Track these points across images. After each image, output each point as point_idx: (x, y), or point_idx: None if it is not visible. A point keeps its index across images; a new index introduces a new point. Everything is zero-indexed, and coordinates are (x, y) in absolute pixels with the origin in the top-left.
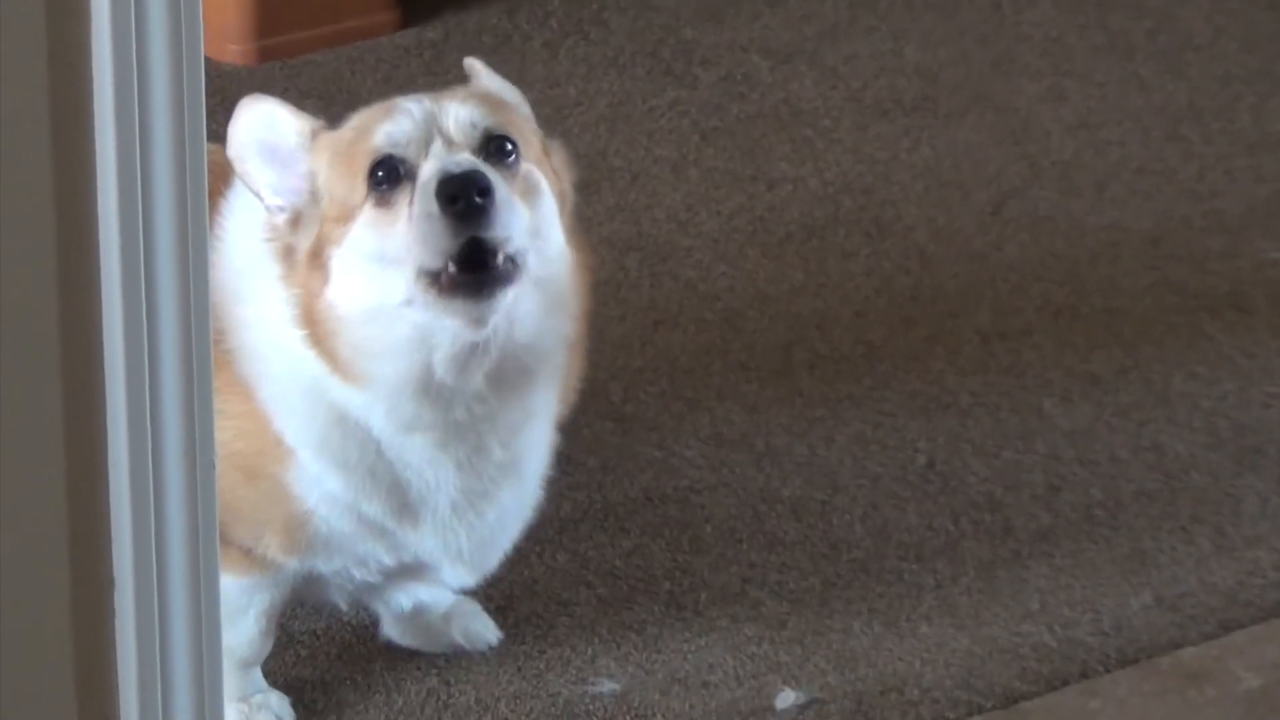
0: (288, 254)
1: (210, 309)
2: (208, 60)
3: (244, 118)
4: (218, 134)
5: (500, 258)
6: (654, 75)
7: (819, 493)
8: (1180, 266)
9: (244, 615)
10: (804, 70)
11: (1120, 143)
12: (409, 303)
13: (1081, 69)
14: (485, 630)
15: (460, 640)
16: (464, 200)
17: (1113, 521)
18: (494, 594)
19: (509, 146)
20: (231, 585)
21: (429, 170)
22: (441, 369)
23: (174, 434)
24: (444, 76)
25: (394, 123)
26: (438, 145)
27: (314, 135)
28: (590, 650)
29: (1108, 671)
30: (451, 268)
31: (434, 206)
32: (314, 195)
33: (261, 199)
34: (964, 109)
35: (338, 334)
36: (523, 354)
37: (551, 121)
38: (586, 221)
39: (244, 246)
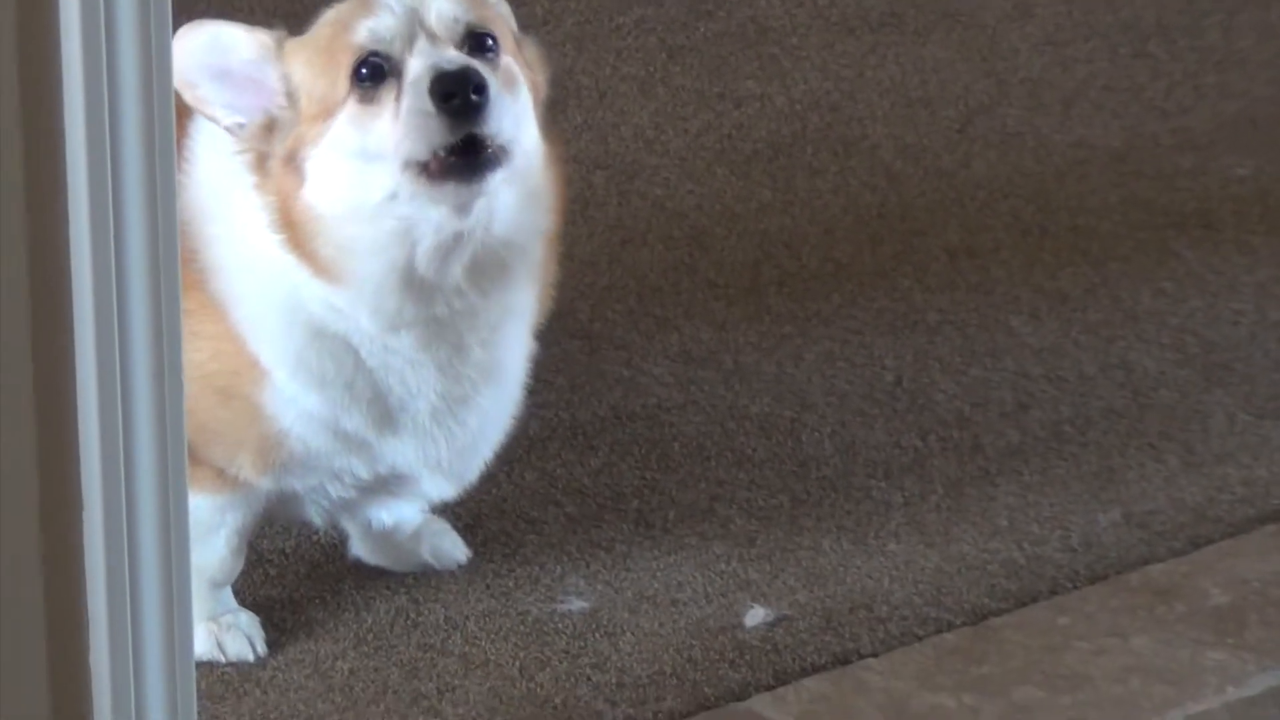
0: (261, 161)
1: (177, 227)
2: None
3: (186, 45)
4: None
5: (490, 148)
6: None
7: (787, 410)
8: (1148, 184)
9: (215, 534)
10: None
11: (1088, 60)
12: (393, 196)
13: None
14: (454, 548)
15: (429, 559)
16: (460, 98)
17: (1081, 439)
18: (462, 513)
19: (490, 41)
20: (203, 504)
21: (418, 66)
22: (424, 263)
23: (142, 353)
24: None
25: (376, 18)
26: (422, 40)
27: (279, 43)
28: (559, 568)
29: (1076, 588)
30: (441, 153)
31: (428, 104)
32: (290, 98)
33: (218, 121)
34: (931, 26)
35: (319, 234)
36: (500, 248)
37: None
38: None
39: (213, 165)
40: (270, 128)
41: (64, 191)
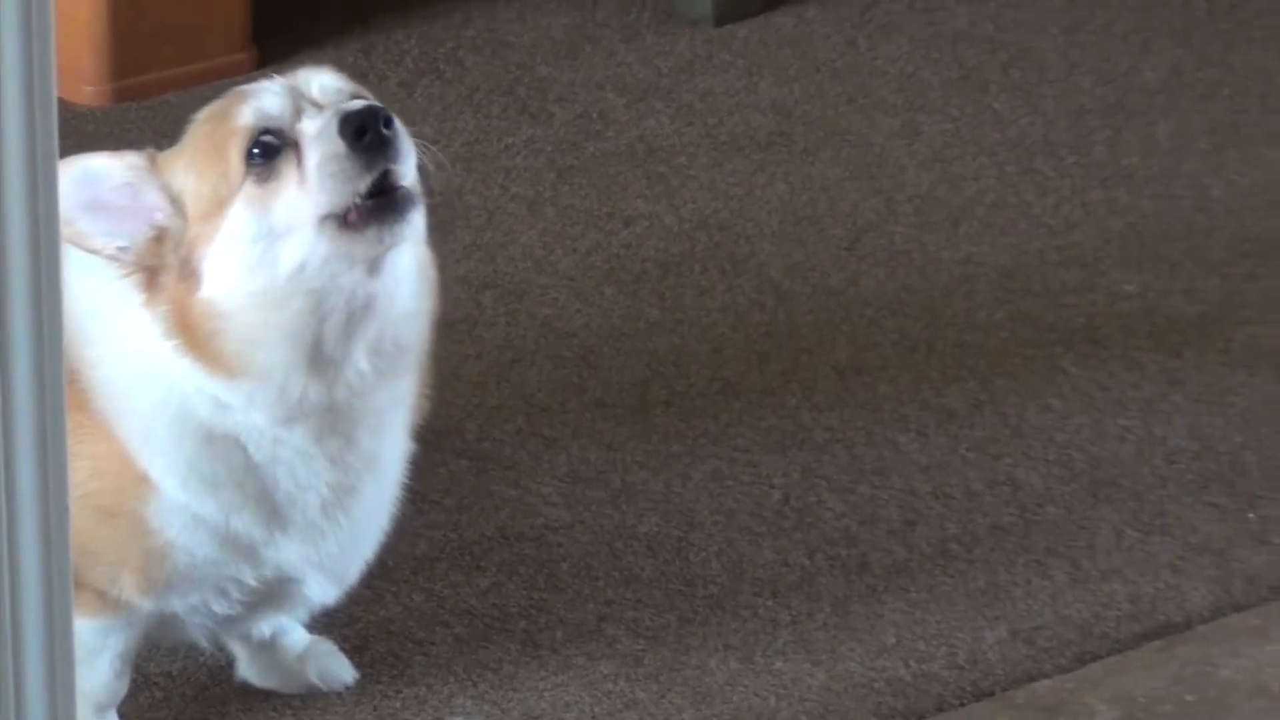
0: (151, 277)
1: (63, 351)
2: (61, 102)
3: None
4: None
5: (404, 187)
6: (509, 113)
7: (675, 529)
8: (1035, 300)
9: (99, 658)
10: (659, 107)
11: (975, 177)
12: (302, 268)
13: (936, 103)
14: (341, 670)
15: (316, 680)
16: (372, 132)
17: (968, 555)
18: (349, 634)
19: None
20: (85, 628)
21: (316, 125)
22: (330, 340)
23: (28, 478)
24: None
25: (259, 100)
26: (310, 111)
27: (151, 159)
28: (446, 689)
29: (963, 705)
30: (358, 200)
31: (340, 146)
32: (176, 205)
33: (100, 251)
34: (819, 145)
35: (221, 330)
36: (400, 322)
37: None
38: (443, 260)
39: (86, 288)
40: (159, 240)
41: None
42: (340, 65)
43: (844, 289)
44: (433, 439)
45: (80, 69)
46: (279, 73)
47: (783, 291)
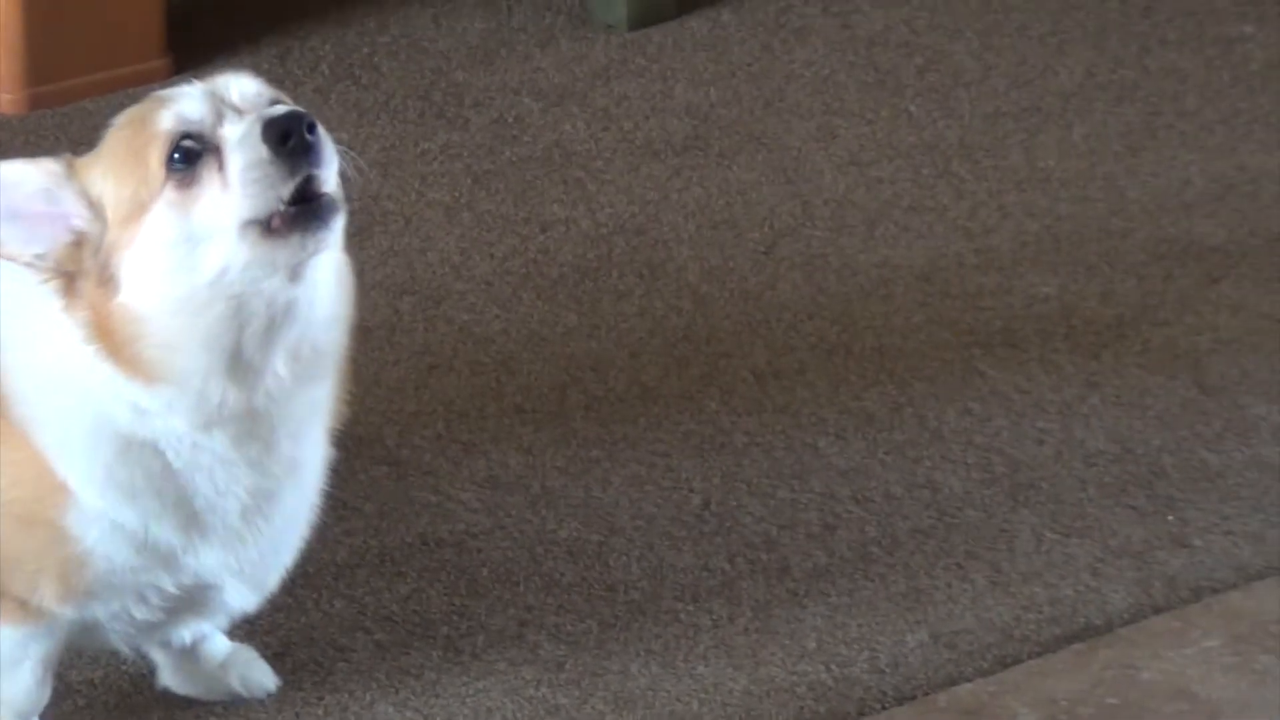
0: (70, 282)
1: None
2: None
3: None
4: None
5: (327, 193)
6: (425, 119)
7: (595, 534)
8: (952, 303)
9: (19, 667)
10: (575, 112)
11: (891, 180)
12: (224, 273)
13: (852, 107)
14: (263, 677)
15: (238, 687)
16: (295, 137)
17: (888, 559)
18: (271, 641)
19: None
20: (6, 636)
21: (238, 131)
22: (250, 345)
23: None
24: None
25: (179, 105)
26: (231, 115)
27: (69, 165)
28: (368, 696)
29: (885, 709)
30: (281, 206)
31: (264, 152)
32: (95, 209)
33: (17, 259)
34: (735, 149)
35: (140, 335)
36: (320, 329)
37: None
38: (360, 266)
39: (2, 294)
40: (78, 245)
41: None
42: (256, 71)
43: (761, 293)
44: (352, 445)
45: None
46: (195, 79)
47: (700, 296)
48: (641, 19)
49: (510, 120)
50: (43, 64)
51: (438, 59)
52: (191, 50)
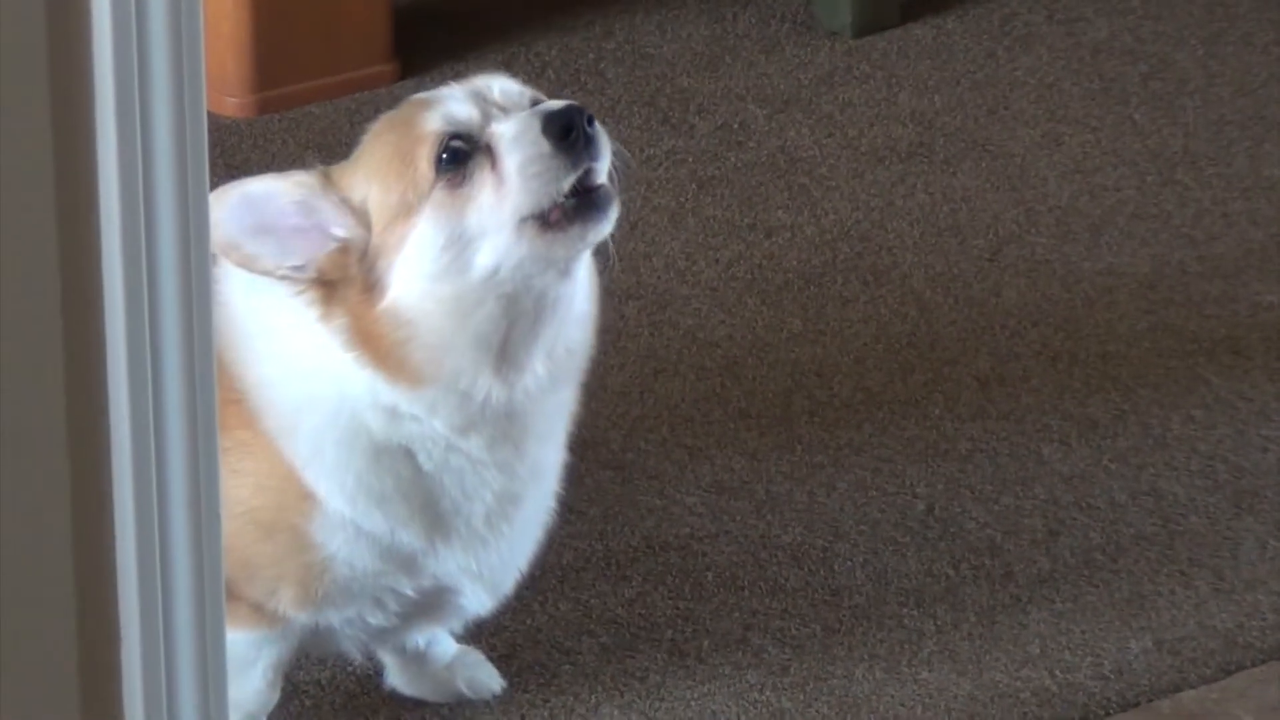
0: (328, 291)
1: (215, 366)
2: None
3: (217, 213)
4: (215, 187)
5: (604, 185)
6: (651, 124)
7: (819, 539)
8: (1176, 311)
9: (251, 669)
10: (800, 118)
11: (1116, 188)
12: (496, 271)
13: (1076, 114)
14: (489, 679)
15: (464, 689)
16: (576, 130)
17: (1112, 565)
18: (497, 643)
19: None
20: (240, 640)
21: (511, 128)
22: (516, 343)
23: (179, 486)
24: None
25: (446, 106)
26: (497, 114)
27: (321, 175)
28: (594, 698)
29: (1108, 715)
30: (561, 199)
31: (545, 146)
32: (358, 217)
33: (272, 273)
34: (960, 155)
35: (409, 338)
36: (573, 328)
37: None
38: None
39: (250, 307)
40: (342, 254)
41: (102, 329)
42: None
43: (986, 299)
44: (578, 449)
45: (224, 80)
46: (422, 85)
47: (924, 302)
48: (866, 26)
49: (735, 126)
50: (270, 68)
51: (663, 65)
52: (417, 55)
